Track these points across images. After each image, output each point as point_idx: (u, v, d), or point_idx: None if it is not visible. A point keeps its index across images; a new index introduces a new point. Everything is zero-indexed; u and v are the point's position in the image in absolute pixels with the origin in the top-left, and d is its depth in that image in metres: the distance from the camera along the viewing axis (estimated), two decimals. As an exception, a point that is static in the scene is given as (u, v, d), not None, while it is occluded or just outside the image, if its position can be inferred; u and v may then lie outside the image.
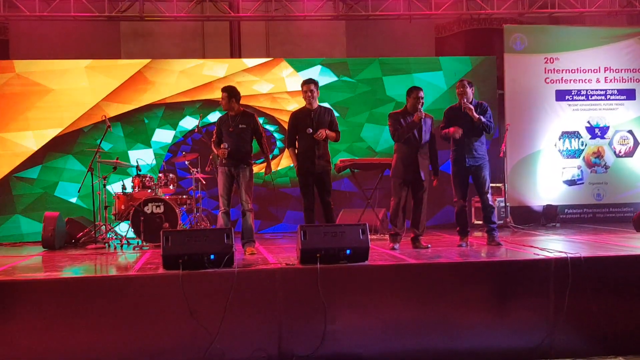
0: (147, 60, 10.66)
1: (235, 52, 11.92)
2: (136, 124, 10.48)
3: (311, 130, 7.31)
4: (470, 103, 7.44)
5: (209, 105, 10.42)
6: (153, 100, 10.51)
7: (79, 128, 10.38)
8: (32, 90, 10.32)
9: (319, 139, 7.31)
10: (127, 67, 10.58)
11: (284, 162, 10.62)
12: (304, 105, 7.55)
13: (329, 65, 10.83)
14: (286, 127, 10.46)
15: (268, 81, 10.69)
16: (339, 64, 10.91)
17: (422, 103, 7.32)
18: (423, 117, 7.25)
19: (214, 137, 7.51)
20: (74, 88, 10.42)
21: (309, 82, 7.45)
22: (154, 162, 10.09)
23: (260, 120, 10.47)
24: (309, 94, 7.39)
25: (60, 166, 10.33)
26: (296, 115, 7.49)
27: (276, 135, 10.66)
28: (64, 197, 10.18)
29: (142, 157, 9.81)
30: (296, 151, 7.50)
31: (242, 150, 7.31)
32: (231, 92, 7.40)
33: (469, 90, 7.46)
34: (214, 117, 10.20)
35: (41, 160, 10.31)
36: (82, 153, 10.10)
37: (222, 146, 7.24)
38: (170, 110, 10.54)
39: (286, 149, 9.99)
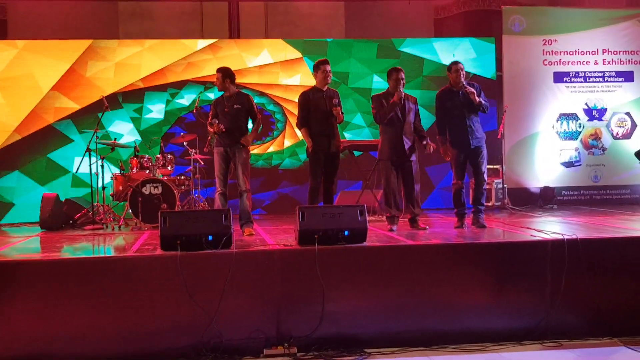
0: (206, 43, 10.53)
1: (234, 32, 11.88)
2: (158, 96, 10.39)
3: (338, 103, 7.33)
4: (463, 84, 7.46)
5: (192, 85, 10.44)
6: (129, 83, 10.36)
7: (47, 124, 10.18)
8: (98, 62, 10.27)
9: (340, 119, 7.37)
10: (179, 50, 10.45)
11: (272, 148, 10.59)
12: (284, 73, 7.55)
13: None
14: (287, 116, 10.52)
15: (286, 74, 10.61)
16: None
17: (403, 84, 7.33)
18: (403, 96, 7.26)
19: (209, 118, 7.51)
20: (130, 64, 10.37)
21: (326, 63, 7.44)
22: (151, 149, 10.10)
23: (269, 107, 10.48)
24: (327, 75, 7.39)
25: (37, 170, 10.13)
26: (308, 95, 7.46)
27: (279, 125, 10.62)
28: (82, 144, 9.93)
29: (154, 123, 10.08)
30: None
31: (237, 130, 7.32)
32: (225, 73, 7.42)
33: (464, 73, 7.50)
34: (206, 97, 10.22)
35: (16, 164, 10.13)
36: (59, 151, 10.11)
37: (214, 122, 7.26)
38: (193, 88, 10.45)
39: (285, 129, 10.04)
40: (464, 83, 7.44)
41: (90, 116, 10.04)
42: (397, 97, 7.23)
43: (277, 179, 10.53)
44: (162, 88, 10.42)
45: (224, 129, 7.22)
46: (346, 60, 10.67)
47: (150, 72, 10.40)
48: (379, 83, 10.50)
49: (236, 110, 7.33)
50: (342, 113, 7.51)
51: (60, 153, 10.17)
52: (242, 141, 7.31)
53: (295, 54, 10.65)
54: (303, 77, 10.60)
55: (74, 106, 10.21)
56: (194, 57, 10.50)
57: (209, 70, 10.35)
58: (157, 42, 10.54)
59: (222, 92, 7.51)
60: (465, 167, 7.55)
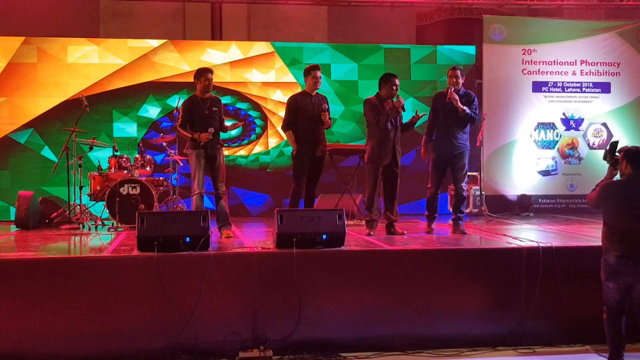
0: (163, 41, 10.39)
1: (217, 34, 11.86)
2: (128, 98, 10.24)
3: (327, 108, 7.34)
4: (459, 92, 7.47)
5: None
6: (149, 79, 10.29)
7: (4, 135, 10.01)
8: (49, 64, 10.08)
9: (327, 124, 7.37)
10: (137, 48, 10.35)
11: (258, 148, 10.55)
12: (282, 92, 7.56)
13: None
14: (266, 114, 10.53)
15: (260, 71, 10.53)
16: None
17: (397, 90, 7.35)
18: (403, 103, 7.28)
19: (179, 120, 7.37)
20: (86, 64, 10.18)
21: (317, 69, 7.46)
22: (136, 134, 10.04)
23: (244, 106, 10.44)
24: (317, 80, 7.42)
25: (49, 131, 10.02)
26: (297, 99, 7.49)
27: (257, 122, 10.59)
28: (50, 157, 9.85)
29: (127, 129, 9.91)
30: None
31: (215, 133, 7.31)
32: (212, 74, 7.41)
33: (460, 80, 7.49)
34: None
35: (35, 124, 10.01)
36: (23, 164, 9.98)
37: (209, 130, 7.16)
38: (162, 90, 10.30)
39: (257, 136, 10.03)
40: (452, 90, 7.42)
41: (55, 122, 9.91)
42: (399, 104, 7.22)
43: (269, 183, 10.40)
44: (129, 90, 10.27)
45: (211, 136, 7.18)
46: (327, 51, 10.59)
47: (110, 72, 10.24)
48: (364, 76, 10.50)
49: (214, 112, 7.32)
50: (331, 118, 7.51)
51: (25, 166, 9.98)
52: (224, 128, 7.33)
53: (267, 47, 10.61)
54: (278, 73, 10.53)
55: (32, 112, 10.03)
56: (156, 56, 10.34)
57: (174, 70, 10.30)
58: (113, 41, 10.41)
59: (190, 95, 7.49)
60: (442, 173, 7.59)
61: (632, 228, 5.08)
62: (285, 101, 7.67)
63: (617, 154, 5.36)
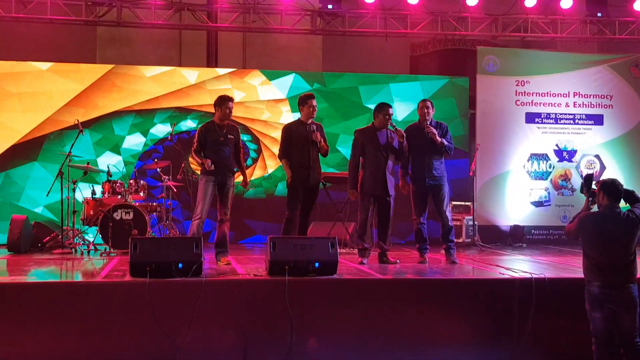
0: (111, 66, 10.35)
1: (212, 61, 11.93)
2: (104, 130, 10.19)
3: (320, 132, 7.35)
4: (430, 123, 7.53)
5: (181, 112, 10.30)
6: (121, 107, 10.21)
7: (44, 134, 10.00)
8: None
9: (322, 148, 7.39)
10: (91, 71, 10.28)
11: (257, 172, 10.57)
12: (269, 111, 7.58)
13: (302, 75, 10.76)
14: (258, 137, 10.55)
15: (240, 89, 10.53)
16: (313, 75, 10.84)
17: (391, 120, 7.37)
18: (405, 142, 7.31)
19: (195, 145, 7.32)
20: (36, 92, 10.03)
21: (312, 97, 7.48)
22: (124, 169, 10.00)
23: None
24: (313, 110, 7.43)
25: (25, 173, 9.99)
26: (291, 128, 7.53)
27: (249, 145, 10.61)
28: (28, 207, 9.82)
29: (112, 164, 9.71)
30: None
31: (230, 160, 7.31)
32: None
33: (431, 111, 7.57)
34: (184, 125, 10.17)
35: (5, 167, 9.95)
36: (48, 160, 9.84)
37: (209, 161, 7.12)
38: (141, 117, 10.26)
39: (253, 160, 10.05)
40: (428, 123, 7.51)
41: (23, 162, 9.85)
42: (400, 135, 7.27)
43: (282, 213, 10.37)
44: (103, 120, 10.15)
45: (212, 168, 7.14)
46: (324, 107, 10.33)
47: (69, 99, 10.10)
48: (347, 137, 10.42)
49: (230, 140, 7.30)
50: (328, 147, 7.51)
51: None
52: (242, 184, 7.47)
53: None
54: (263, 90, 10.46)
55: None
56: (119, 79, 10.25)
57: (147, 94, 10.19)
58: (166, 72, 10.34)
59: (205, 120, 7.48)
60: (424, 203, 7.60)
61: (611, 257, 5.20)
62: (274, 120, 7.69)
63: (593, 186, 5.46)
